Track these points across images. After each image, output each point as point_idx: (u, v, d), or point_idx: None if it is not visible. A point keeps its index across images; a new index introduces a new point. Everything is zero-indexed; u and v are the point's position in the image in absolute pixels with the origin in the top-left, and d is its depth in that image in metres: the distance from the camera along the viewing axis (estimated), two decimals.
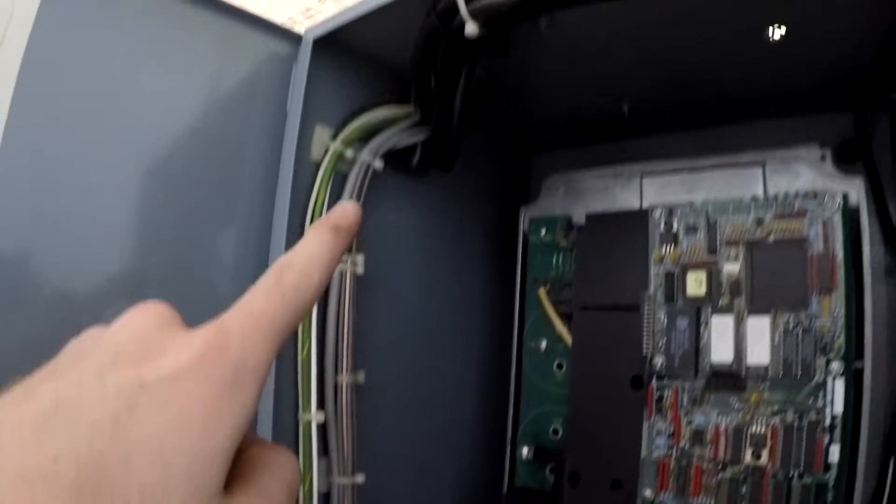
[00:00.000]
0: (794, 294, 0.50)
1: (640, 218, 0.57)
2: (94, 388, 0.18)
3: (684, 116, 0.62)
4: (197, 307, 0.23)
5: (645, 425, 0.54)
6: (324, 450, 0.49)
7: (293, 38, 0.51)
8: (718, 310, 0.53)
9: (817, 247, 0.50)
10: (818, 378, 0.49)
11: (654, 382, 0.54)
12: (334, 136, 0.51)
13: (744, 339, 0.52)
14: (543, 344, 0.62)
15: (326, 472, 0.49)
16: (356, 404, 0.50)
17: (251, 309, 0.22)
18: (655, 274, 0.56)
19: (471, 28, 0.42)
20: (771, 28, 0.47)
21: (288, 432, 0.47)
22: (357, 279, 0.51)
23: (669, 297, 0.55)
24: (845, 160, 0.55)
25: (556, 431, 0.61)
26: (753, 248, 0.53)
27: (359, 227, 0.27)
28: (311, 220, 0.49)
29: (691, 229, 0.55)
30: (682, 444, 0.53)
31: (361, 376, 0.51)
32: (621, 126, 0.64)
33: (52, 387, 0.18)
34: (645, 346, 0.55)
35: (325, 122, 0.52)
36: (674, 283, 0.55)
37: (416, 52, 0.47)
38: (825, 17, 0.44)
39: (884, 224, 0.52)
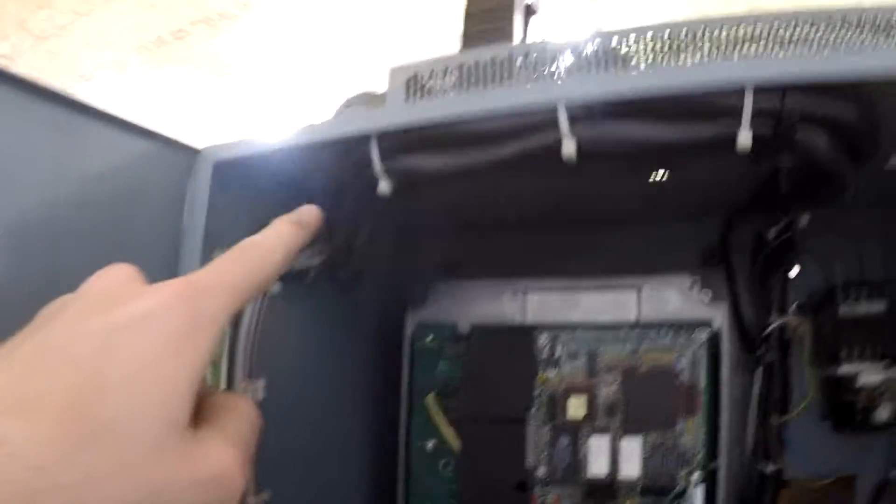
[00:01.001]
0: (662, 416, 0.56)
1: (525, 336, 0.61)
2: (73, 332, 0.21)
3: (568, 236, 0.65)
4: None
5: None
6: None
7: (185, 151, 0.50)
8: (596, 429, 0.57)
9: (684, 376, 0.56)
10: (681, 487, 0.55)
11: (537, 489, 0.58)
12: None
13: (618, 455, 0.56)
14: (431, 444, 0.64)
15: None
16: None
17: (217, 269, 0.26)
18: (539, 394, 0.60)
19: (384, 186, 0.43)
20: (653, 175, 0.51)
21: None
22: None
23: (552, 416, 0.59)
24: (707, 263, 0.61)
25: None
26: (629, 376, 0.58)
27: (319, 226, 0.32)
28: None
29: (573, 355, 0.59)
30: None
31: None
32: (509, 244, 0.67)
33: (35, 338, 0.21)
34: (529, 457, 0.59)
35: (224, 245, 0.51)
36: (556, 405, 0.59)
37: (323, 194, 0.48)
38: (703, 171, 0.49)
39: (738, 321, 0.59)
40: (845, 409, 0.54)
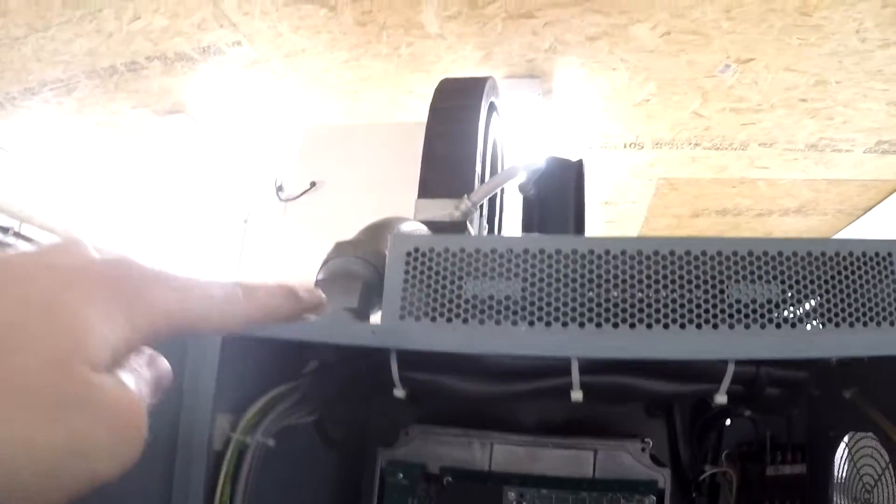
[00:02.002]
0: None
1: (494, 490, 0.66)
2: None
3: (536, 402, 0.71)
4: None
5: None
6: None
7: None
8: None
9: None
10: None
11: None
12: (235, 425, 0.55)
13: None
14: None
15: None
16: None
17: (177, 288, 0.27)
18: None
19: (399, 393, 0.49)
20: None
21: None
22: None
23: None
24: (651, 415, 0.68)
25: None
26: None
27: (319, 307, 0.35)
28: None
29: None
30: None
31: None
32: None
33: None
34: None
35: (227, 410, 0.54)
36: None
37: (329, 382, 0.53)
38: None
39: (677, 470, 0.66)
40: None
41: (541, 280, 0.49)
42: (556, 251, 0.50)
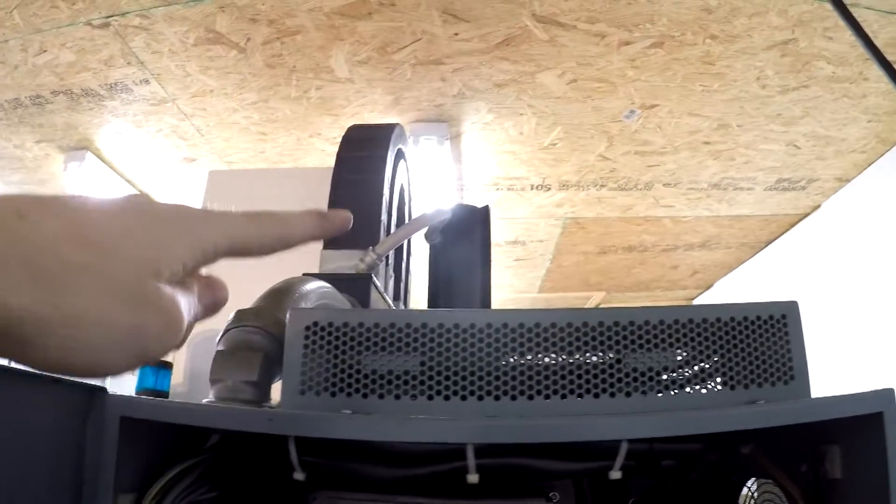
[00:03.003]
0: None
1: None
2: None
3: None
4: None
5: None
6: None
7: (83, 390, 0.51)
8: None
9: None
10: None
11: None
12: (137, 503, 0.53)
13: None
14: None
15: None
16: None
17: (227, 214, 0.35)
18: None
19: (299, 476, 0.48)
20: None
21: None
22: None
23: None
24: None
25: None
26: None
27: (344, 228, 0.39)
28: None
29: None
30: None
31: None
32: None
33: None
34: None
35: (128, 489, 0.52)
36: None
37: (232, 456, 0.52)
38: None
39: None
40: None
41: (439, 354, 0.50)
42: (455, 325, 0.50)
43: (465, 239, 1.35)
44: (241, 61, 2.17)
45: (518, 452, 0.48)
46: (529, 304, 4.72)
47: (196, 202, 2.14)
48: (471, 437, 0.44)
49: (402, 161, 1.40)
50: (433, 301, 1.31)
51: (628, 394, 0.50)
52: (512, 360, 0.50)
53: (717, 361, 0.53)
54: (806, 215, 3.42)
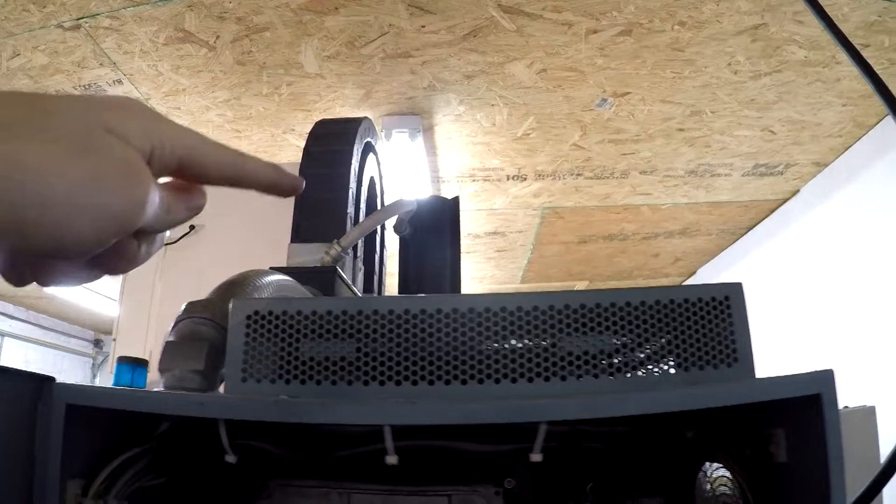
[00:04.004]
0: None
1: None
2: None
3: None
4: None
5: None
6: None
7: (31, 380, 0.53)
8: None
9: None
10: None
11: None
12: (85, 490, 0.54)
13: None
14: None
15: None
16: None
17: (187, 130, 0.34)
18: None
19: (230, 459, 0.49)
20: None
21: None
22: None
23: None
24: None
25: None
26: None
27: (295, 189, 0.39)
28: None
29: None
30: None
31: None
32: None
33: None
34: None
35: (76, 474, 0.54)
36: None
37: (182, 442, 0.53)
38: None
39: None
40: None
41: (374, 340, 0.51)
42: (389, 311, 0.52)
43: (435, 230, 1.36)
44: (212, 59, 2.17)
45: (442, 435, 0.49)
46: None
47: None
48: (387, 419, 0.45)
49: (371, 154, 1.41)
50: (404, 291, 1.32)
51: (563, 378, 0.52)
52: (446, 345, 0.52)
53: (658, 344, 0.55)
54: (785, 200, 3.44)
